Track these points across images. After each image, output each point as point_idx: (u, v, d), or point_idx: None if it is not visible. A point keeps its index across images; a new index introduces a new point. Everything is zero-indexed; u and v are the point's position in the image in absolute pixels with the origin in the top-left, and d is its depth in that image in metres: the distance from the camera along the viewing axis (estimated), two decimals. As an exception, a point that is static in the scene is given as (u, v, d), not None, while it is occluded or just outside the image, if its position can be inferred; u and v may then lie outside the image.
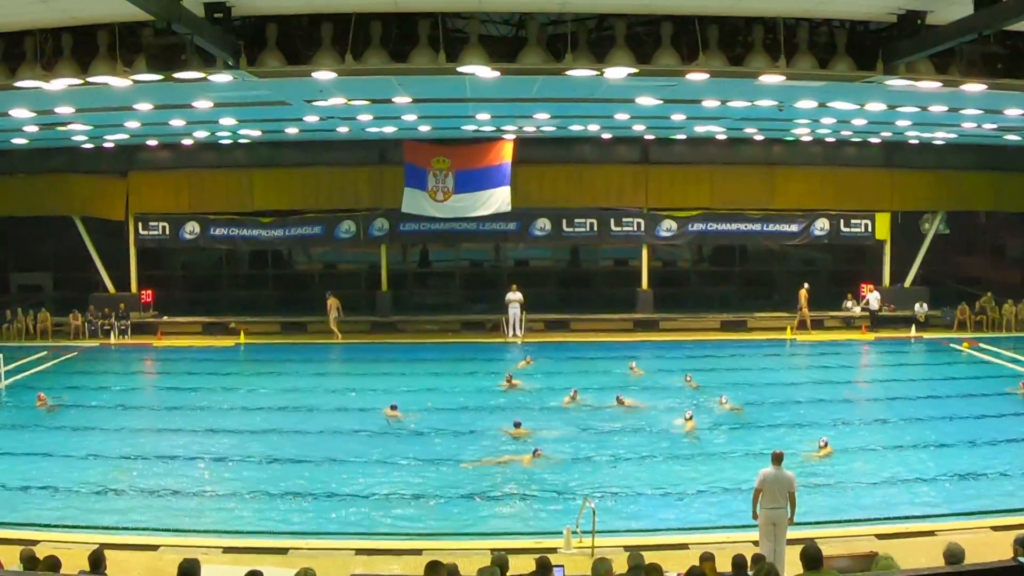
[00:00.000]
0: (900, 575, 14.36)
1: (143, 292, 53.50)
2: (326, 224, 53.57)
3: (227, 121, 40.10)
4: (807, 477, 25.81)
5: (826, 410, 34.58)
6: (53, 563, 14.62)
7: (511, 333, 50.31)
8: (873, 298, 53.19)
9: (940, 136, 48.44)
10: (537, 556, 15.03)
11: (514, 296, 50.57)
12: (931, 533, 21.49)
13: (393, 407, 33.88)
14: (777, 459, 20.20)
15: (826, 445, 28.39)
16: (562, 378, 39.13)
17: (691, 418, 31.81)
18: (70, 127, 39.57)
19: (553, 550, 20.12)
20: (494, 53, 22.52)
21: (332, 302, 50.75)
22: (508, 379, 38.43)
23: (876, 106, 34.44)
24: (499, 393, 37.41)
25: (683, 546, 20.55)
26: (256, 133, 46.84)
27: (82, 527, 22.52)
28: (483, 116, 39.97)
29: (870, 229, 54.71)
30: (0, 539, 20.75)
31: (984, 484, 26.13)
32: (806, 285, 52.40)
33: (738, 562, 15.18)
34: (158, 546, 21.06)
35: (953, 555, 14.29)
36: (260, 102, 32.82)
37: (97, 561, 14.92)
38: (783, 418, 33.25)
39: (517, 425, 31.11)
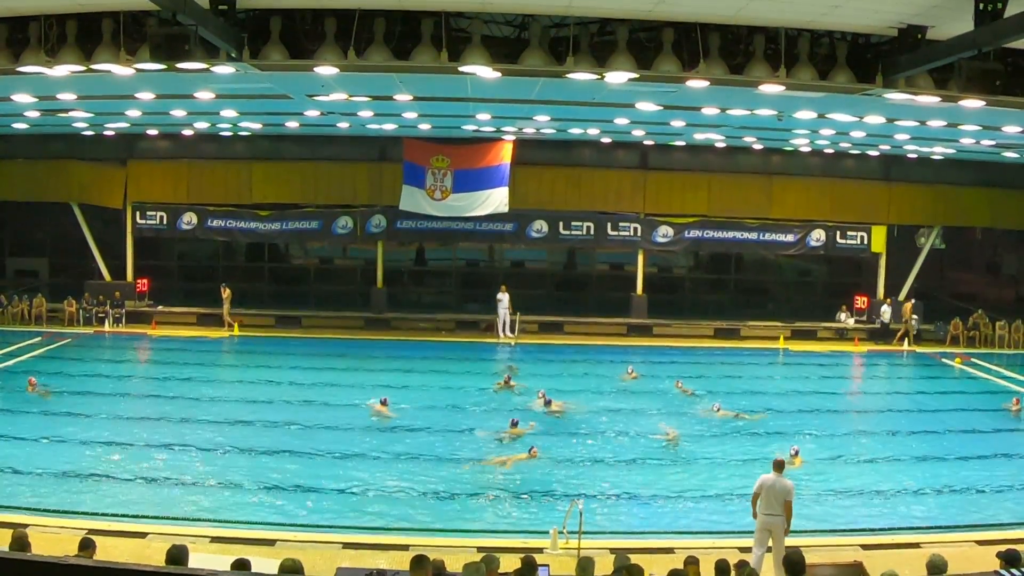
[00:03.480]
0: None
1: (139, 281, 53.49)
2: (323, 219, 53.64)
3: (228, 113, 40.12)
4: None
5: (816, 420, 34.67)
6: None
7: (503, 334, 50.47)
8: (886, 311, 53.10)
9: (938, 151, 48.48)
10: (523, 555, 15.11)
11: (503, 296, 50.78)
12: (916, 545, 21.59)
13: (383, 402, 33.96)
14: (778, 466, 20.52)
15: (797, 454, 28.45)
16: (559, 380, 39.27)
17: (669, 431, 31.82)
18: (71, 114, 39.61)
19: (540, 550, 20.22)
20: (496, 54, 22.65)
21: (227, 293, 50.89)
22: (507, 380, 38.46)
23: (875, 119, 34.51)
24: (491, 393, 37.50)
25: (669, 550, 20.61)
26: (256, 126, 46.85)
27: (71, 512, 22.56)
28: (483, 116, 40.04)
29: (866, 242, 54.86)
30: (-11, 522, 20.83)
31: (971, 498, 26.23)
32: (912, 300, 53.06)
33: (721, 567, 15.26)
34: (146, 533, 21.08)
35: (935, 567, 14.37)
36: (262, 95, 32.82)
37: (86, 546, 14.99)
38: (773, 427, 33.28)
39: (514, 424, 31.17)
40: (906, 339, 52.05)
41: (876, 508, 25.15)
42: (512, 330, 50.53)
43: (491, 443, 30.36)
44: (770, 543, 20.16)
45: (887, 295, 54.96)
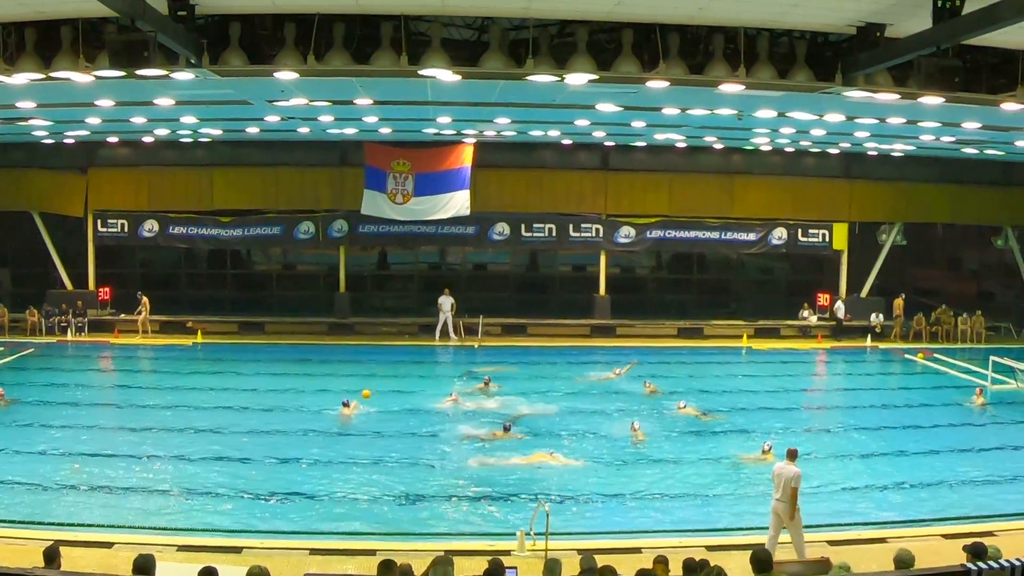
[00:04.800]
0: (848, 578, 14.53)
1: (101, 289, 53.22)
2: (285, 225, 53.49)
3: (188, 119, 39.95)
4: (755, 484, 26.19)
5: (780, 418, 34.82)
6: None
7: (448, 336, 50.88)
8: (839, 307, 53.56)
9: (899, 148, 48.73)
10: (490, 558, 15.10)
11: (445, 299, 51.12)
12: (882, 540, 21.70)
13: (346, 404, 34.13)
14: (791, 455, 21.35)
15: (769, 450, 28.60)
16: (523, 383, 39.50)
17: (638, 429, 31.80)
18: (31, 122, 39.38)
19: (507, 552, 20.24)
20: (456, 57, 22.63)
21: (145, 301, 50.86)
22: (486, 382, 38.47)
23: (835, 117, 34.60)
24: (459, 395, 37.35)
25: (636, 550, 20.63)
26: (217, 132, 46.71)
27: (36, 523, 22.46)
28: (444, 119, 39.99)
29: (827, 239, 55.09)
30: (-46, 534, 20.75)
31: (937, 492, 26.34)
32: (903, 295, 53.73)
33: (688, 565, 15.26)
34: (112, 543, 20.94)
35: (902, 561, 14.44)
36: (222, 101, 32.72)
37: (51, 557, 14.90)
38: (739, 425, 33.41)
39: (506, 428, 31.21)
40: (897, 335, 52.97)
41: (842, 504, 25.24)
42: (452, 332, 50.95)
43: (474, 446, 30.42)
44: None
45: (849, 292, 55.27)
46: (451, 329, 51.09)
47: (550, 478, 27.19)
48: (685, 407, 34.91)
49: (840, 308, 53.80)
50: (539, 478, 27.14)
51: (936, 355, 48.30)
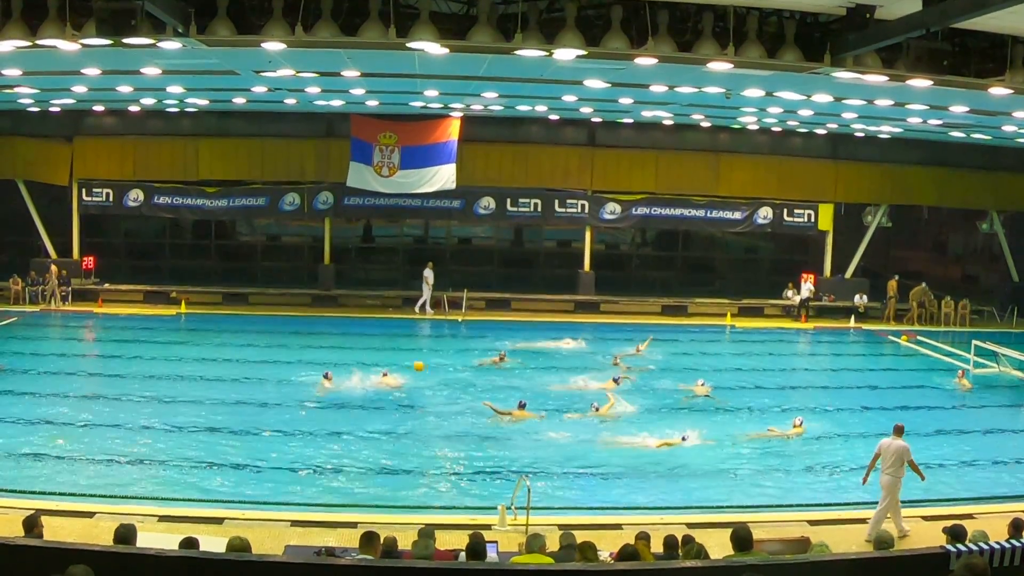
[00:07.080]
0: (828, 558, 14.55)
1: (85, 259, 53.11)
2: (271, 196, 53.45)
3: (175, 89, 39.77)
4: (740, 462, 26.26)
5: (762, 397, 34.79)
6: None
7: (423, 310, 51.01)
8: (806, 288, 53.64)
9: (886, 130, 48.77)
10: (471, 532, 15.11)
11: (428, 273, 51.06)
12: (863, 521, 21.71)
13: (326, 376, 34.13)
14: (897, 431, 22.17)
15: (800, 424, 28.83)
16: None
17: (613, 393, 31.80)
18: (16, 90, 39.17)
19: (488, 527, 20.24)
20: (444, 30, 22.56)
21: (54, 270, 50.81)
22: (501, 356, 38.62)
23: (823, 97, 34.57)
24: (437, 368, 37.41)
25: (617, 526, 20.62)
26: (203, 102, 46.50)
27: (18, 492, 22.40)
28: (431, 93, 39.90)
29: (813, 219, 55.17)
30: (-64, 501, 20.73)
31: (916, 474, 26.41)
32: (896, 276, 54.02)
33: (670, 543, 15.32)
34: (94, 513, 20.90)
35: (882, 542, 14.49)
36: (208, 71, 32.60)
37: (32, 525, 14.88)
38: (725, 404, 33.38)
39: (522, 406, 30.79)
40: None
41: (823, 484, 25.29)
42: (440, 306, 51.19)
43: (486, 424, 30.25)
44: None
45: (834, 273, 55.42)
46: (427, 304, 51.19)
47: (534, 452, 27.19)
48: (703, 384, 34.88)
49: (804, 289, 53.83)
50: (523, 453, 27.14)
51: (919, 337, 48.38)
